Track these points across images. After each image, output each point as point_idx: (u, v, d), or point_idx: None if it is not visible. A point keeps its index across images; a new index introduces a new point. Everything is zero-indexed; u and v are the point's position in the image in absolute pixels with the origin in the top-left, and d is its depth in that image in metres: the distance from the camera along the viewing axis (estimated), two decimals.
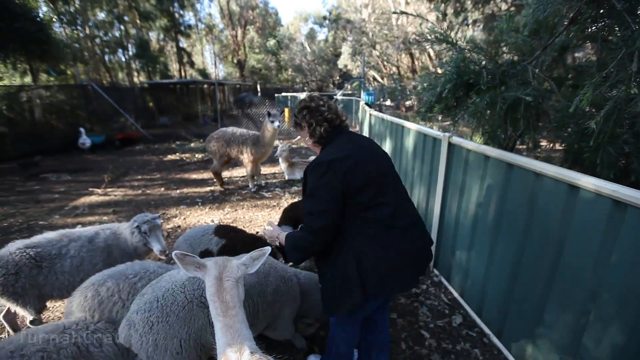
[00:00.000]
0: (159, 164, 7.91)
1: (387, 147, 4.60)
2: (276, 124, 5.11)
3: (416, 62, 17.10)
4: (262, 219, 4.59)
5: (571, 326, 1.73)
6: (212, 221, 4.46)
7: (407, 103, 14.63)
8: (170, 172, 7.21)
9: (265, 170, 7.17)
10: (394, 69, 20.71)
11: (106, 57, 19.40)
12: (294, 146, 9.93)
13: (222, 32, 30.46)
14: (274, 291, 1.83)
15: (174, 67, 26.19)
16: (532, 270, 1.92)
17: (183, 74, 24.72)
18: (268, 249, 1.37)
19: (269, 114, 5.14)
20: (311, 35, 34.00)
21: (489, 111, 2.11)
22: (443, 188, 2.79)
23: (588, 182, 1.57)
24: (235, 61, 30.98)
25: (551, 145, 2.52)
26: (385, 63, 21.64)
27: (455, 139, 2.50)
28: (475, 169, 2.37)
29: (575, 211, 1.66)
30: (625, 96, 1.49)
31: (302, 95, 20.56)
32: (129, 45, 19.48)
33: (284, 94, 23.90)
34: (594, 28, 2.12)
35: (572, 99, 1.82)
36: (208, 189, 5.93)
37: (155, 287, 1.64)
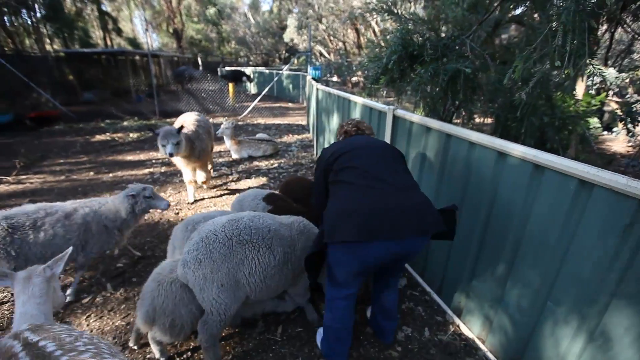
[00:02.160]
0: (86, 146, 7.03)
1: (334, 120, 4.61)
2: (168, 149, 3.33)
3: (362, 38, 17.17)
4: (209, 200, 4.38)
5: (497, 277, 1.95)
6: None
7: (354, 79, 14.75)
8: (100, 154, 6.47)
9: None
10: (341, 44, 20.58)
11: (5, 19, 16.20)
12: (240, 123, 9.53)
13: None
14: (302, 248, 2.02)
15: (97, 34, 22.94)
16: (468, 231, 2.11)
17: (109, 42, 21.81)
18: (69, 250, 1.66)
19: (155, 134, 3.42)
20: (255, 5, 32.06)
21: (430, 85, 2.19)
22: None
23: (514, 149, 1.72)
24: (171, 30, 28.06)
25: (483, 119, 2.73)
26: (331, 38, 21.36)
27: (400, 112, 2.57)
28: (417, 140, 2.48)
29: (503, 174, 1.82)
30: (549, 69, 1.64)
31: (248, 70, 19.58)
32: (36, 5, 16.46)
33: (227, 67, 22.51)
34: (524, 6, 2.27)
35: (502, 74, 1.96)
36: (146, 170, 5.45)
37: (200, 230, 1.88)
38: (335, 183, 1.77)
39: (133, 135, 7.88)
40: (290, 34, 24.14)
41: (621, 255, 1.33)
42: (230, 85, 12.23)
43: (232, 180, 5.12)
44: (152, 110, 10.10)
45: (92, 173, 5.34)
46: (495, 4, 2.10)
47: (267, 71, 17.89)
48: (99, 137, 7.74)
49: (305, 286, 2.19)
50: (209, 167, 4.68)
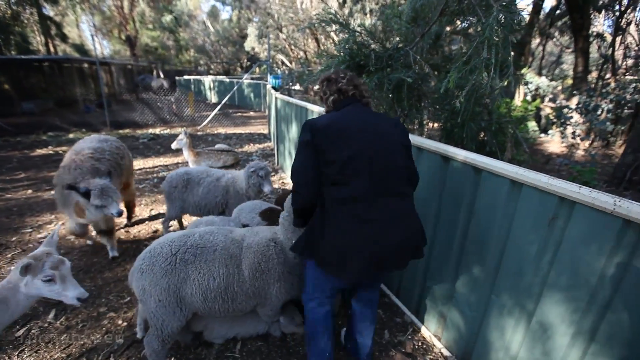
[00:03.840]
0: (24, 161, 6.41)
1: (293, 129, 4.62)
2: (115, 209, 2.57)
3: (322, 47, 17.53)
4: (164, 214, 4.16)
5: (448, 275, 2.04)
6: None
7: (316, 87, 14.96)
8: (41, 169, 5.92)
9: (167, 160, 6.49)
10: (302, 53, 20.82)
11: None
12: (199, 133, 9.24)
13: (102, 0, 25.72)
14: (250, 266, 1.88)
15: (38, 40, 21.18)
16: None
17: (52, 49, 20.23)
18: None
19: (81, 191, 2.53)
20: (214, 14, 31.53)
21: (376, 93, 2.28)
22: None
23: (456, 153, 1.84)
24: (123, 37, 26.69)
25: (432, 124, 2.88)
26: (292, 47, 21.56)
27: None
28: None
29: (447, 177, 1.93)
30: (480, 79, 1.79)
31: (207, 79, 19.12)
32: None
33: (186, 76, 21.83)
34: (461, 21, 2.45)
35: (451, 85, 2.10)
36: None
37: (154, 243, 1.84)
38: (328, 195, 1.44)
39: None
40: (251, 43, 24.00)
41: (549, 247, 1.46)
42: (190, 94, 11.85)
43: None
44: (103, 122, 9.49)
45: (30, 191, 4.86)
46: (435, 19, 2.25)
47: (228, 80, 17.61)
48: (39, 151, 7.10)
49: (275, 308, 2.02)
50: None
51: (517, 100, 7.03)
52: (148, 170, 5.88)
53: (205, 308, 1.80)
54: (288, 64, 21.59)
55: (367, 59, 2.12)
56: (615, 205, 1.20)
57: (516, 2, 2.07)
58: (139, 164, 6.20)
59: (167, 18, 27.81)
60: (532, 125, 7.22)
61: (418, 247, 1.52)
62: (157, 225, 3.85)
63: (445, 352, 2.13)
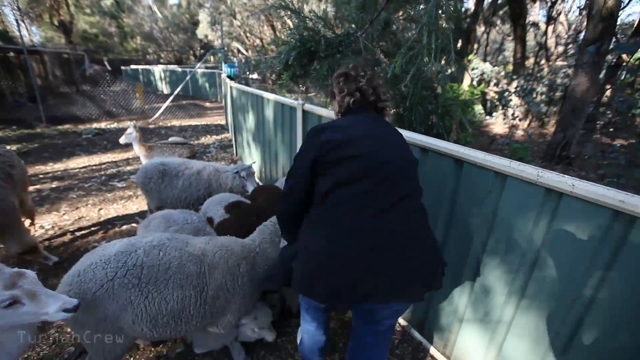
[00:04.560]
0: None
1: (250, 118, 4.53)
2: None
3: (278, 34, 17.15)
4: (115, 212, 3.91)
5: None
6: (42, 227, 3.53)
7: (274, 76, 14.67)
8: None
9: (115, 157, 6.06)
10: (258, 40, 20.23)
11: None
12: (151, 126, 8.71)
13: None
14: (218, 287, 1.69)
15: None
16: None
17: None
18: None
19: None
20: None
21: (327, 79, 2.30)
22: None
23: (406, 136, 1.92)
24: (56, 23, 23.93)
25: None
26: (248, 34, 20.86)
27: (308, 106, 2.65)
28: None
29: None
30: (424, 64, 1.88)
31: (157, 68, 17.91)
32: None
33: (133, 66, 20.29)
34: (407, 8, 2.53)
35: (397, 69, 2.17)
36: (31, 188, 4.59)
37: (83, 259, 1.53)
38: (321, 204, 1.25)
39: (11, 148, 6.57)
40: (203, 30, 22.83)
41: (487, 218, 1.60)
42: (138, 85, 11.04)
43: None
44: (37, 117, 8.56)
45: None
46: (383, 5, 2.31)
47: (180, 69, 16.63)
48: None
49: (229, 326, 1.80)
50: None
51: (465, 86, 7.50)
52: (94, 167, 5.45)
53: (154, 334, 1.57)
54: (244, 52, 20.90)
55: (317, 45, 2.12)
56: (539, 175, 1.34)
57: None
58: (83, 161, 5.72)
59: (107, 2, 25.41)
60: (478, 108, 7.74)
61: (426, 287, 1.21)
62: (107, 225, 3.61)
63: (402, 322, 2.27)
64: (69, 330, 2.24)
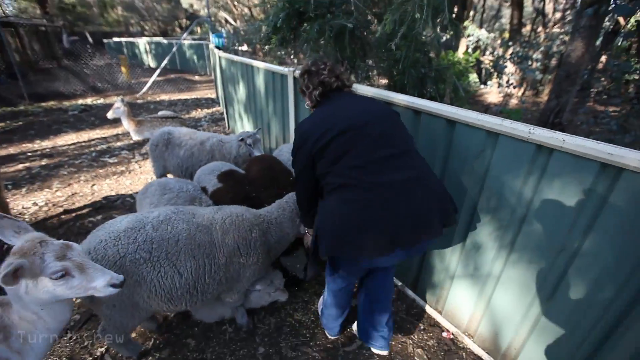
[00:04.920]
0: None
1: (241, 89, 4.42)
2: None
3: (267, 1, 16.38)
4: (108, 187, 3.89)
5: None
6: (36, 204, 3.51)
7: (263, 41, 14.14)
8: None
9: (104, 132, 5.93)
10: (246, 9, 19.32)
11: None
12: (139, 101, 8.47)
13: None
14: (230, 253, 1.72)
15: None
16: None
17: None
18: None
19: None
20: None
21: (318, 41, 2.22)
22: (295, 121, 2.93)
23: (397, 97, 1.91)
24: None
25: (379, 80, 2.93)
26: (235, 3, 19.86)
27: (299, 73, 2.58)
28: None
29: None
30: (417, 22, 1.82)
31: (142, 40, 17.12)
32: None
33: (116, 39, 19.36)
34: None
35: (388, 28, 2.10)
36: (20, 166, 4.52)
37: (92, 236, 1.51)
38: (326, 184, 1.40)
39: None
40: None
41: (479, 176, 1.63)
42: (122, 58, 10.58)
43: (136, 162, 4.61)
44: (19, 94, 8.24)
45: None
46: None
47: (166, 41, 15.91)
48: None
49: (242, 292, 1.87)
50: None
51: (460, 53, 7.34)
52: (84, 144, 5.35)
53: (170, 307, 1.59)
54: (232, 22, 20.00)
55: (307, 5, 2.03)
56: (530, 132, 1.35)
57: None
58: (71, 138, 5.60)
59: None
60: (473, 77, 7.63)
61: (442, 221, 1.33)
62: (102, 200, 3.60)
63: (397, 282, 2.37)
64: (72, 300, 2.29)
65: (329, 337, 2.03)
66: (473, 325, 1.92)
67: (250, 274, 1.79)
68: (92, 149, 5.13)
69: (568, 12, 13.54)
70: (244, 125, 4.73)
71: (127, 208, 3.45)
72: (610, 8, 3.88)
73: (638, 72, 4.91)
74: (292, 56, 2.81)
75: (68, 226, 3.12)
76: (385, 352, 1.90)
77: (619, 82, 5.58)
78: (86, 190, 3.83)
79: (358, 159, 1.31)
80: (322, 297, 2.15)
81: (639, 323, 1.21)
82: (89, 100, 8.41)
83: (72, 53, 10.72)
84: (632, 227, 1.16)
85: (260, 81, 3.55)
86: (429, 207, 1.29)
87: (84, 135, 5.76)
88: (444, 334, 2.07)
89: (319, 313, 2.11)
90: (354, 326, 2.06)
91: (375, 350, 1.93)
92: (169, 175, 3.54)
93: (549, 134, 1.29)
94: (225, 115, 5.92)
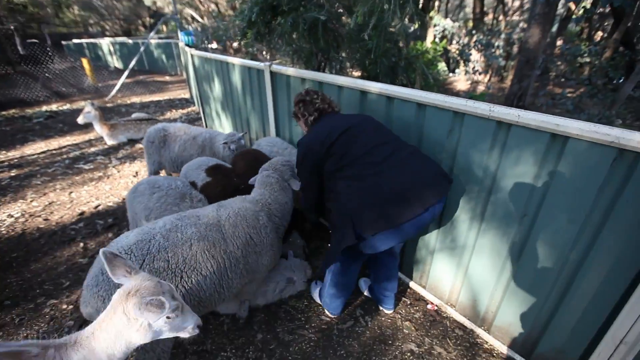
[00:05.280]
0: None
1: (216, 87, 4.41)
2: None
3: None
4: (87, 194, 3.80)
5: None
6: (11, 216, 3.39)
7: (235, 45, 13.95)
8: None
9: (75, 139, 5.72)
10: (213, 5, 18.86)
11: None
12: (109, 105, 8.18)
13: None
14: (243, 244, 1.74)
15: None
16: None
17: None
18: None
19: None
20: None
21: (292, 34, 2.30)
22: (274, 115, 3.00)
23: (372, 86, 2.03)
24: None
25: (353, 72, 3.03)
26: None
27: (275, 67, 2.65)
28: (296, 91, 2.63)
29: (366, 107, 2.14)
30: (382, 11, 1.93)
31: (104, 41, 16.35)
32: None
33: (76, 40, 18.40)
34: None
35: (359, 19, 2.21)
36: None
37: (100, 259, 1.42)
38: (341, 178, 1.57)
39: None
40: None
41: (449, 155, 1.78)
42: (84, 60, 10.11)
43: (113, 167, 4.51)
44: None
45: None
46: None
47: (131, 41, 15.31)
48: None
49: (260, 281, 1.95)
50: None
51: (428, 43, 7.60)
52: (55, 152, 5.14)
53: (201, 310, 1.58)
54: (199, 19, 19.48)
55: None
56: (491, 110, 1.51)
57: None
58: (40, 147, 5.36)
59: None
60: (442, 65, 7.93)
61: (442, 183, 1.55)
62: (82, 207, 3.53)
63: None
64: (64, 306, 2.28)
65: (331, 316, 2.16)
66: (454, 296, 2.10)
67: (267, 261, 1.84)
68: (65, 156, 4.96)
69: (526, 0, 14.23)
70: (222, 123, 4.72)
71: (109, 213, 3.40)
72: None
73: (588, 54, 5.32)
74: (264, 52, 2.86)
75: (50, 235, 3.06)
76: (392, 310, 2.19)
77: (574, 66, 6.01)
78: (64, 198, 3.73)
79: (364, 146, 1.56)
80: (314, 281, 2.28)
81: (588, 276, 1.40)
82: (54, 107, 8.02)
83: (29, 57, 10.10)
84: (577, 189, 1.34)
85: (236, 77, 3.57)
86: (434, 170, 1.56)
87: (54, 143, 5.53)
88: (429, 306, 2.25)
89: (316, 296, 2.24)
90: (365, 292, 2.31)
91: (385, 310, 2.19)
92: (162, 173, 3.61)
93: (507, 111, 1.46)
94: (202, 115, 5.87)
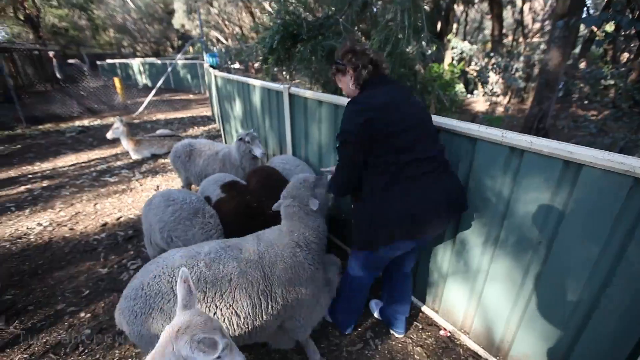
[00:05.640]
0: None
1: (237, 106, 4.60)
2: None
3: (257, 21, 16.86)
4: (111, 206, 3.98)
5: None
6: (40, 224, 3.59)
7: (257, 65, 14.53)
8: None
9: (103, 153, 6.04)
10: (237, 28, 19.82)
11: None
12: (136, 121, 8.62)
13: None
14: (288, 280, 1.65)
15: None
16: None
17: None
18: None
19: None
20: None
21: (313, 57, 2.41)
22: (291, 135, 3.09)
23: None
24: (22, 17, 22.72)
25: None
26: (226, 22, 20.40)
27: (294, 90, 2.76)
28: (313, 113, 2.72)
29: None
30: (400, 41, 2.01)
31: (135, 61, 17.40)
32: None
33: (109, 60, 19.66)
34: None
35: (375, 46, 2.30)
36: (22, 188, 4.59)
37: (144, 270, 1.47)
38: (394, 173, 1.47)
39: None
40: (179, 20, 22.20)
41: (464, 179, 1.78)
42: (116, 79, 10.79)
43: (136, 180, 4.72)
44: (16, 117, 8.33)
45: None
46: None
47: (159, 62, 16.22)
48: None
49: (308, 318, 1.75)
50: None
51: (446, 65, 7.67)
52: (83, 165, 5.44)
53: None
54: (224, 40, 20.48)
55: (299, 28, 2.23)
56: (503, 136, 1.52)
57: None
58: (71, 159, 5.69)
59: None
60: (459, 87, 7.95)
61: (463, 202, 1.61)
62: (105, 218, 3.69)
63: None
64: (82, 314, 2.37)
65: (343, 333, 2.13)
66: (468, 322, 2.04)
67: (309, 292, 1.70)
68: (92, 169, 5.23)
69: (546, 22, 14.19)
70: None
71: (130, 225, 3.54)
72: (579, 20, 4.18)
73: (612, 77, 5.21)
74: (284, 72, 3.01)
75: (74, 244, 3.20)
76: (403, 334, 2.13)
77: (596, 88, 5.89)
78: (89, 209, 3.92)
79: (420, 153, 1.46)
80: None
81: (609, 307, 1.35)
82: (85, 122, 8.54)
83: (67, 77, 10.86)
84: (594, 216, 1.31)
85: (256, 98, 3.73)
86: (457, 197, 1.56)
87: (83, 156, 5.86)
88: (441, 332, 2.18)
89: (326, 313, 2.18)
90: (376, 313, 2.25)
91: (396, 333, 2.14)
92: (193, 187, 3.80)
93: (519, 137, 1.46)
94: (222, 132, 6.09)
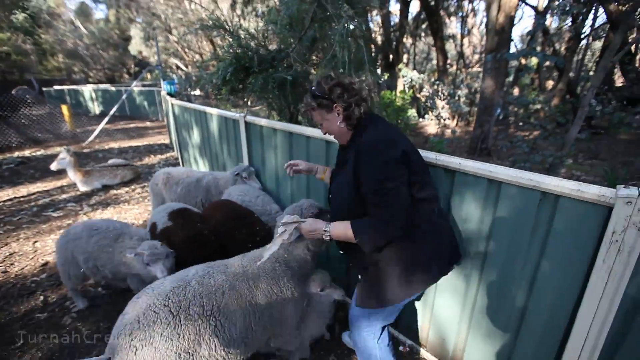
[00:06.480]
0: None
1: (195, 134, 4.56)
2: None
3: (218, 50, 17.05)
4: (53, 243, 3.66)
5: None
6: None
7: (214, 91, 14.53)
8: None
9: (46, 185, 5.59)
10: (197, 56, 19.85)
11: None
12: (86, 150, 8.13)
13: None
14: (267, 293, 1.68)
15: None
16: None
17: None
18: None
19: None
20: (84, 12, 27.29)
21: (261, 92, 2.51)
22: (249, 161, 3.14)
23: None
24: None
25: None
26: (186, 50, 20.37)
27: (250, 118, 2.83)
28: (269, 140, 2.80)
29: (331, 155, 2.28)
30: (343, 73, 2.19)
31: (87, 88, 16.61)
32: None
33: (57, 87, 18.57)
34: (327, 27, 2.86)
35: None
36: None
37: (134, 304, 1.45)
38: (419, 212, 1.34)
39: None
40: (136, 46, 21.80)
41: None
42: (64, 107, 10.18)
43: (84, 214, 4.40)
44: None
45: None
46: (308, 25, 2.61)
47: (114, 88, 15.63)
48: None
49: (294, 332, 1.83)
50: None
51: (398, 92, 8.27)
52: (22, 199, 4.99)
53: (236, 356, 1.56)
54: (184, 67, 20.33)
55: (251, 61, 2.33)
56: (437, 159, 1.69)
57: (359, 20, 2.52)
58: (7, 194, 5.20)
59: (20, 17, 22.92)
60: (412, 112, 8.56)
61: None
62: (46, 257, 3.39)
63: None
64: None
65: None
66: (424, 335, 2.12)
67: (291, 310, 1.75)
68: (33, 203, 4.81)
69: (483, 54, 15.93)
70: (200, 168, 4.81)
71: None
72: (504, 54, 4.79)
73: (538, 102, 5.97)
74: (245, 100, 3.10)
75: (7, 288, 2.89)
76: None
77: (527, 112, 6.65)
78: (27, 248, 3.58)
79: (429, 188, 1.37)
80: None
81: (536, 309, 1.50)
82: (27, 152, 7.89)
83: (4, 104, 10.04)
84: (515, 228, 1.49)
85: (214, 126, 3.74)
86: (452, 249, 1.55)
87: (23, 190, 5.38)
88: (400, 348, 2.24)
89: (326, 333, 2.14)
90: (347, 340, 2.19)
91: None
92: None
93: (449, 159, 1.64)
94: (180, 160, 5.94)
